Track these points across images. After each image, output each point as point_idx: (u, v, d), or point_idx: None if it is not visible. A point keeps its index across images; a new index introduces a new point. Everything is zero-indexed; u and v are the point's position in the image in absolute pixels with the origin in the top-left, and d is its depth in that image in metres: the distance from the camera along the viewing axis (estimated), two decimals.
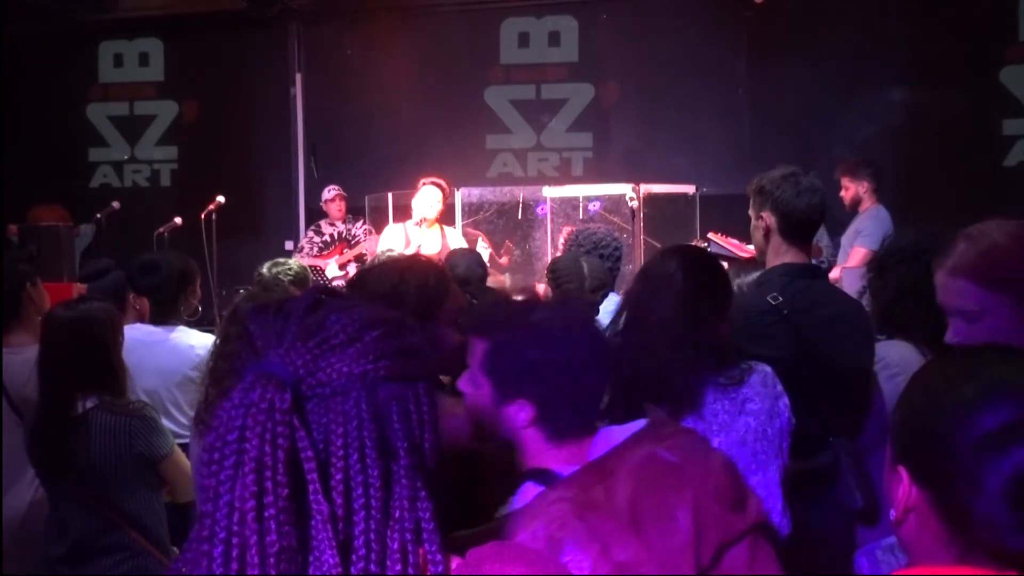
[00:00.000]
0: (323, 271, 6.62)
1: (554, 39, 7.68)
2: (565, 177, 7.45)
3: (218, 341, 2.37)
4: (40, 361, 2.48)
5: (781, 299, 2.26)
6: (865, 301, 2.52)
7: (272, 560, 0.75)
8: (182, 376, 2.97)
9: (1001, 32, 6.90)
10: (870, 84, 6.82)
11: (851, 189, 5.38)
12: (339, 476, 0.78)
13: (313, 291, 0.89)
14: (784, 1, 6.96)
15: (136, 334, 2.87)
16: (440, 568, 0.81)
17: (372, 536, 0.78)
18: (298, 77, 7.93)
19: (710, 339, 1.93)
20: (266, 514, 0.76)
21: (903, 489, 0.96)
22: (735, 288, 3.10)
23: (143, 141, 8.39)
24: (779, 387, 2.02)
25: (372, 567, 0.77)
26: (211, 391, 2.28)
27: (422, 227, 5.39)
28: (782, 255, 2.39)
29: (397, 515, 0.80)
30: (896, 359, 2.34)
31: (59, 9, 7.61)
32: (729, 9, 7.08)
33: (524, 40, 7.73)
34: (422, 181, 5.49)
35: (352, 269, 6.64)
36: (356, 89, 7.70)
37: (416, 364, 0.86)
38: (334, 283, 6.57)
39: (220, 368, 2.30)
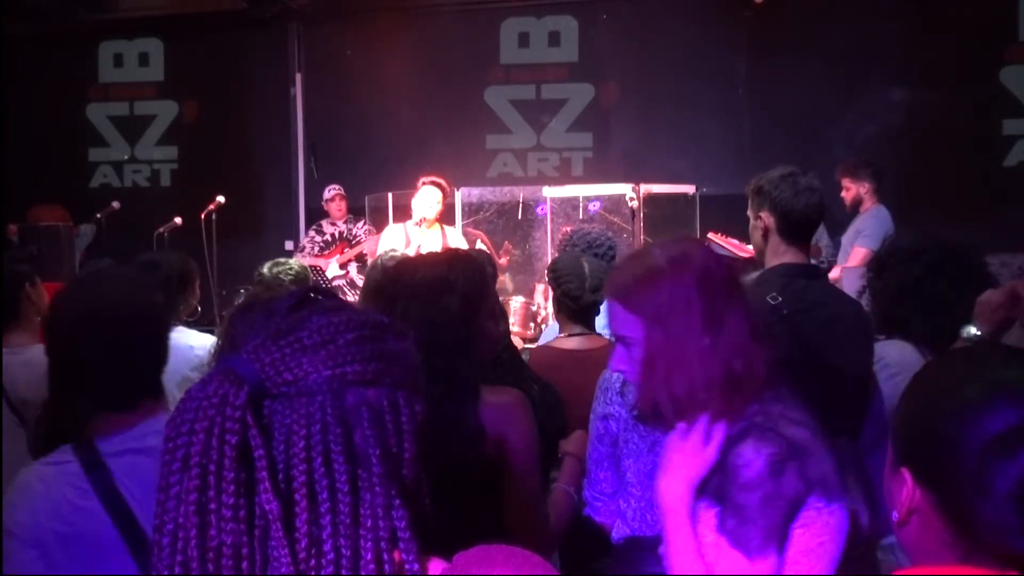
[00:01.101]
0: (324, 271, 6.63)
1: (554, 39, 7.68)
2: (565, 177, 7.45)
3: (219, 343, 2.37)
4: (50, 361, 2.48)
5: (781, 299, 2.26)
6: (865, 301, 2.52)
7: (211, 555, 0.75)
8: (182, 377, 2.96)
9: (1001, 32, 6.90)
10: (870, 84, 6.82)
11: (852, 189, 5.38)
12: (302, 479, 0.77)
13: (301, 291, 0.88)
14: (784, 1, 6.96)
15: None
16: (412, 557, 0.80)
17: (342, 541, 0.77)
18: (298, 77, 7.93)
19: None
20: (209, 507, 0.75)
21: (906, 491, 0.95)
22: None
23: (143, 141, 8.40)
24: None
25: (343, 572, 0.77)
26: None
27: (422, 227, 5.35)
28: (781, 255, 2.38)
29: (369, 523, 0.78)
30: (895, 359, 2.34)
31: (59, 9, 7.62)
32: (729, 9, 7.08)
33: (524, 40, 7.73)
34: (421, 180, 5.45)
35: (353, 269, 6.64)
36: (356, 89, 7.70)
37: (395, 371, 0.84)
38: (334, 283, 6.57)
39: None
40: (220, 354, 0.87)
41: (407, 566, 0.80)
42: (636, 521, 1.94)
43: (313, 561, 0.76)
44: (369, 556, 0.78)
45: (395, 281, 1.81)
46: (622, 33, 7.46)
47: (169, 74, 8.31)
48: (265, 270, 3.61)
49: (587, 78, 7.61)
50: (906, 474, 0.96)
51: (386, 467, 0.80)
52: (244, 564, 0.75)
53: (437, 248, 5.06)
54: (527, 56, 7.73)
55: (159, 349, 1.73)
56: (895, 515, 0.98)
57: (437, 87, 7.56)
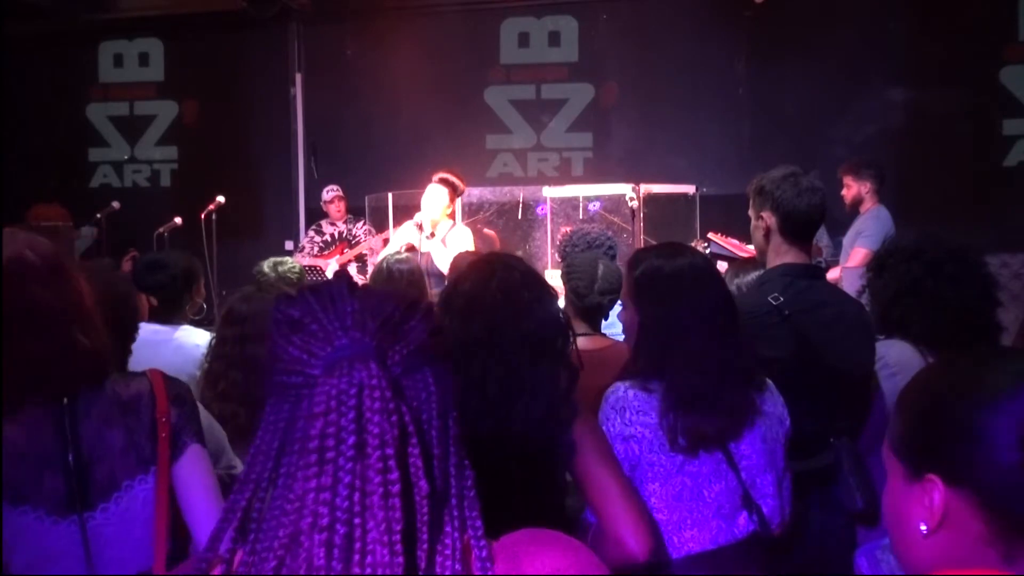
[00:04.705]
0: (323, 271, 6.63)
1: (554, 39, 7.68)
2: (565, 177, 7.45)
3: (214, 343, 2.37)
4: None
5: (782, 299, 2.26)
6: (865, 300, 2.52)
7: (398, 537, 0.75)
8: (187, 376, 2.94)
9: (1001, 32, 6.90)
10: (870, 84, 6.82)
11: (853, 188, 5.38)
12: (416, 451, 0.80)
13: (344, 275, 0.90)
14: (784, 1, 6.96)
15: (142, 333, 2.86)
16: (480, 532, 0.82)
17: (431, 502, 0.79)
18: (298, 77, 7.92)
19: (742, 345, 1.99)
20: (392, 491, 0.76)
21: (939, 496, 0.92)
22: (735, 288, 3.11)
23: (143, 141, 8.39)
24: (780, 396, 2.05)
25: (424, 534, 0.79)
26: (207, 393, 2.28)
27: (423, 232, 5.08)
28: (783, 255, 2.38)
29: (443, 481, 0.82)
30: (895, 358, 2.34)
31: (59, 9, 7.61)
32: (729, 9, 7.08)
33: (524, 40, 7.73)
34: (435, 177, 5.21)
35: (353, 269, 6.64)
36: (356, 89, 7.70)
37: (445, 343, 0.88)
38: None
39: (216, 370, 2.30)
40: (269, 341, 0.86)
41: (471, 522, 0.82)
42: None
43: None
44: (451, 506, 0.81)
45: (513, 283, 1.76)
46: (622, 33, 7.46)
47: (169, 74, 8.31)
48: (267, 268, 3.60)
49: (587, 78, 7.61)
50: (935, 479, 0.92)
51: (456, 430, 0.84)
52: (411, 546, 0.77)
53: (452, 249, 4.81)
54: (527, 56, 7.72)
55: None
56: (923, 527, 0.93)
57: (437, 87, 7.55)
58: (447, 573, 0.78)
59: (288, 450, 0.81)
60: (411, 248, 5.01)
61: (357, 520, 0.75)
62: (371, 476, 0.76)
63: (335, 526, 0.75)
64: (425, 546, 0.78)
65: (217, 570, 0.83)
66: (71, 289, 1.57)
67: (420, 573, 0.77)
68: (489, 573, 0.80)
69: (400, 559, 0.75)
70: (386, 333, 0.82)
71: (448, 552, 0.79)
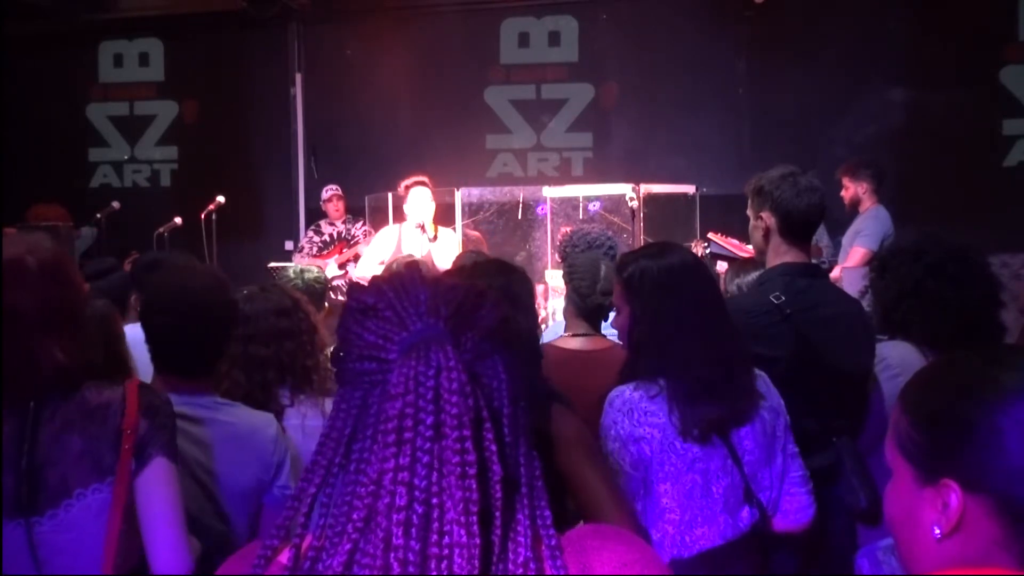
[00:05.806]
0: (322, 271, 6.61)
1: (554, 39, 7.68)
2: (565, 177, 7.45)
3: None
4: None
5: (784, 298, 2.26)
6: (867, 301, 2.52)
7: (475, 518, 0.76)
8: None
9: (1001, 32, 6.90)
10: (870, 84, 6.82)
11: (851, 189, 5.39)
12: (490, 435, 0.81)
13: (415, 265, 0.91)
14: (784, 1, 6.96)
15: (140, 333, 2.85)
16: (549, 521, 0.83)
17: (502, 485, 0.80)
18: (298, 77, 7.92)
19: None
20: (469, 472, 0.76)
21: (955, 501, 0.90)
22: (735, 288, 3.11)
23: (143, 141, 8.39)
24: (774, 389, 2.05)
25: (496, 512, 0.79)
26: None
27: (425, 231, 5.14)
28: (782, 255, 2.38)
29: (511, 467, 0.82)
30: (897, 359, 2.34)
31: (59, 9, 7.62)
32: (729, 9, 7.08)
33: (524, 40, 7.73)
34: (406, 184, 5.24)
35: (351, 269, 6.63)
36: (356, 89, 7.70)
37: (513, 331, 0.88)
38: (333, 283, 6.56)
39: (218, 371, 2.30)
40: (343, 327, 0.87)
41: (539, 511, 0.83)
42: (675, 547, 1.88)
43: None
44: (521, 493, 0.82)
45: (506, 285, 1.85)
46: (622, 33, 7.46)
47: (169, 74, 8.31)
48: (292, 275, 3.54)
49: (587, 78, 7.61)
50: (952, 483, 0.90)
51: (525, 419, 0.84)
52: (487, 529, 0.78)
53: (451, 251, 4.92)
54: (527, 56, 7.72)
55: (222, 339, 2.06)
56: (936, 532, 0.91)
57: (437, 87, 7.56)
58: (519, 559, 0.79)
59: (360, 436, 0.82)
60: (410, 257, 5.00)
61: (435, 500, 0.75)
62: (449, 457, 0.76)
63: (413, 505, 0.75)
64: (499, 531, 0.78)
65: (284, 555, 0.83)
66: (63, 297, 1.52)
67: (494, 557, 0.78)
68: (559, 562, 0.81)
69: (477, 540, 0.75)
70: (459, 320, 0.83)
71: (520, 539, 0.79)
